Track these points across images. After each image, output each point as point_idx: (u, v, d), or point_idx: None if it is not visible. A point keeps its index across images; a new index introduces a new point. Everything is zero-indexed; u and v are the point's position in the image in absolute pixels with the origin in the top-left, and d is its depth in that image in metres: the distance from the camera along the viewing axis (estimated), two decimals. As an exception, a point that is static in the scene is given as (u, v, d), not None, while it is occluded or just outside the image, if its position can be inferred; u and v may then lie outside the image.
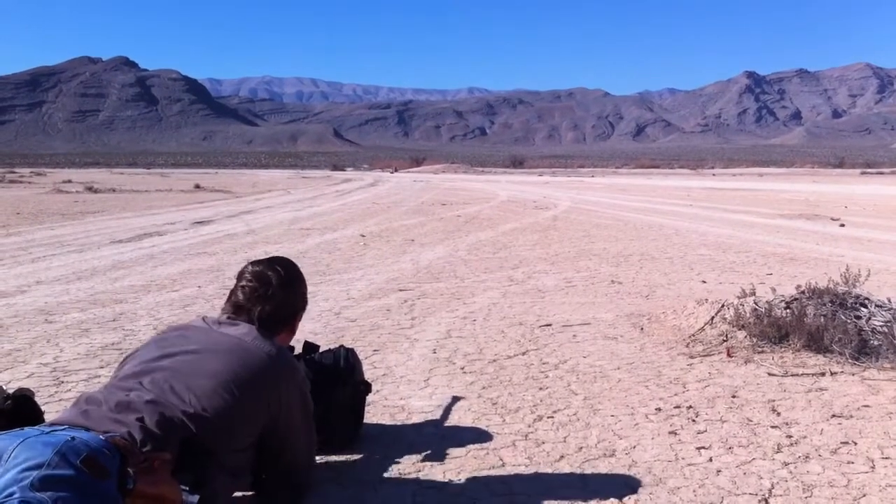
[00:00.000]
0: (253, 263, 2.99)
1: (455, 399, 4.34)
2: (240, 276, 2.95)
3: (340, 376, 3.53)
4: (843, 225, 17.09)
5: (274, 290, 2.86)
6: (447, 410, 4.14)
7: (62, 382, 4.64)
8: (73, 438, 2.03)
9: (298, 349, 3.60)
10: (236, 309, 2.85)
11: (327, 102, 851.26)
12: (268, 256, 3.08)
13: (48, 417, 2.68)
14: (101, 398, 2.45)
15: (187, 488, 2.23)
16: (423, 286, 8.38)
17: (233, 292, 2.92)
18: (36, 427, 2.14)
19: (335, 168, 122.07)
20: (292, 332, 3.02)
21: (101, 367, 4.96)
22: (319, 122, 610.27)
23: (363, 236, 14.02)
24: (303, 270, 3.14)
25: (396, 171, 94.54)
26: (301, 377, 2.80)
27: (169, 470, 2.19)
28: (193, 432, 2.38)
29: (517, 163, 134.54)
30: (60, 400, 4.21)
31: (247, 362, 2.60)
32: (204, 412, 2.44)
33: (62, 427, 2.19)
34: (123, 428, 2.28)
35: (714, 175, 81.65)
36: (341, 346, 3.75)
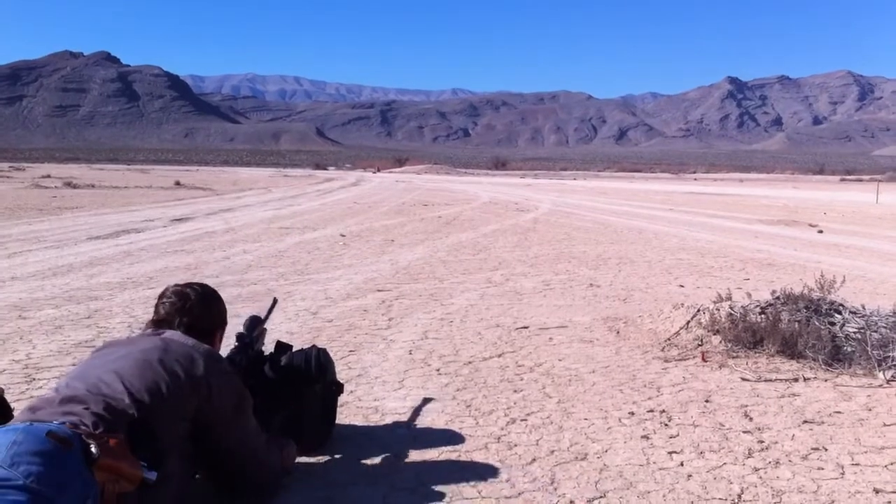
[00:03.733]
0: (174, 285, 3.22)
1: (426, 400, 4.33)
2: (161, 295, 3.16)
3: (311, 377, 3.51)
4: (821, 231, 17.24)
5: (192, 304, 3.09)
6: (416, 411, 4.13)
7: (34, 379, 4.61)
8: (31, 423, 2.20)
9: (271, 349, 3.59)
10: (158, 323, 3.06)
11: (310, 101, 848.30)
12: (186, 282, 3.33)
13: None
14: (46, 402, 2.52)
15: (146, 464, 2.31)
16: (401, 287, 8.36)
17: (155, 310, 3.13)
18: None
19: (317, 167, 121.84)
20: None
21: (74, 365, 4.90)
22: (302, 120, 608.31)
23: (343, 236, 13.99)
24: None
25: (379, 171, 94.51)
26: (225, 367, 2.93)
27: (126, 448, 2.28)
28: (136, 416, 2.48)
29: (500, 164, 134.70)
30: (31, 397, 4.16)
31: (170, 351, 2.77)
32: (138, 394, 2.54)
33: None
34: (74, 417, 2.36)
35: (696, 180, 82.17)
36: (313, 346, 3.73)
